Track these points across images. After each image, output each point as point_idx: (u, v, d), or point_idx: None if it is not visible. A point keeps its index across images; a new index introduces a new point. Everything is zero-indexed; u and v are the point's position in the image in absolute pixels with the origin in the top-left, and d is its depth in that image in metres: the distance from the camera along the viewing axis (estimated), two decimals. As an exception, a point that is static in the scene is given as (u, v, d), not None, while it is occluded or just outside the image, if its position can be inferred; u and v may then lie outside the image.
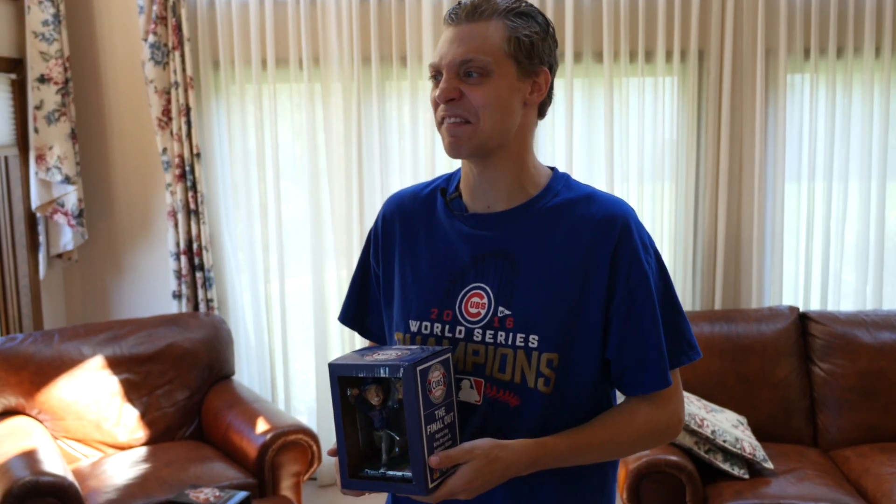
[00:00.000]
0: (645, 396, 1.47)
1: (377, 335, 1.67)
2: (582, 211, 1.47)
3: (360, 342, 4.02)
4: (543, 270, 1.44)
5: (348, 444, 1.38)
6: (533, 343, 1.42)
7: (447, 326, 1.47)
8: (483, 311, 1.46)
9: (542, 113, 1.52)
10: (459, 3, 1.45)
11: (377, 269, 1.62)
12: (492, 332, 1.44)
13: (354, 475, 1.37)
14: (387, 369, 1.32)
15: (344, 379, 1.36)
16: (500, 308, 1.44)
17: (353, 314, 1.69)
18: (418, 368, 1.31)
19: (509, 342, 1.43)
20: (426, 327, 1.49)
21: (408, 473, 1.34)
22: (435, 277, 1.51)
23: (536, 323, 1.42)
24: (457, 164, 4.10)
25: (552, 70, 1.49)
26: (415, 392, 1.30)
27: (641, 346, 1.44)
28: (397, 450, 1.38)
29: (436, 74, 1.46)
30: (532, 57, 1.45)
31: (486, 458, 1.34)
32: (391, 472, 1.36)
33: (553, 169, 1.56)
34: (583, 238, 1.44)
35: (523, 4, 1.46)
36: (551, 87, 1.50)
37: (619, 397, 1.54)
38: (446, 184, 1.59)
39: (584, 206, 1.47)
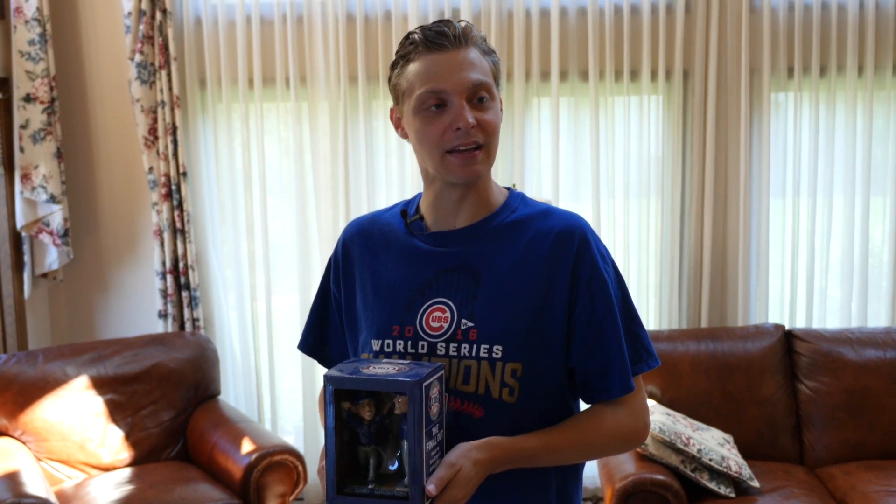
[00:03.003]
0: (610, 402, 1.51)
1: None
2: (540, 225, 1.52)
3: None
4: (505, 282, 1.48)
5: (336, 458, 1.37)
6: (497, 354, 1.45)
7: (409, 342, 1.49)
8: (445, 325, 1.48)
9: None
10: (438, 30, 1.46)
11: (338, 294, 1.63)
12: (455, 344, 1.47)
13: (341, 491, 1.36)
14: (390, 385, 1.32)
15: (340, 392, 1.35)
16: (464, 321, 1.47)
17: (312, 343, 1.70)
18: (425, 383, 1.32)
19: (473, 354, 1.45)
20: (388, 345, 1.51)
21: (399, 491, 1.34)
22: (396, 296, 1.53)
23: (500, 334, 1.45)
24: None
25: None
26: (419, 409, 1.31)
27: (604, 353, 1.48)
28: (394, 468, 1.37)
29: (437, 103, 1.45)
30: (499, 81, 1.52)
31: (470, 465, 1.36)
32: (380, 490, 1.35)
33: (509, 189, 1.61)
34: (543, 250, 1.49)
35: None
36: None
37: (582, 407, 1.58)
38: (406, 207, 1.62)
39: (542, 221, 1.52)
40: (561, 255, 1.48)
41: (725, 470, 3.16)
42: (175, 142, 3.85)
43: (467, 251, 1.51)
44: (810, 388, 3.60)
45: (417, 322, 1.49)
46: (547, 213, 1.54)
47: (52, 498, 2.98)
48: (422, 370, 1.35)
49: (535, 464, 1.46)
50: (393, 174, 3.99)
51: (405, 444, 1.34)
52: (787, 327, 3.81)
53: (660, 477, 3.05)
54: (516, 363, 1.45)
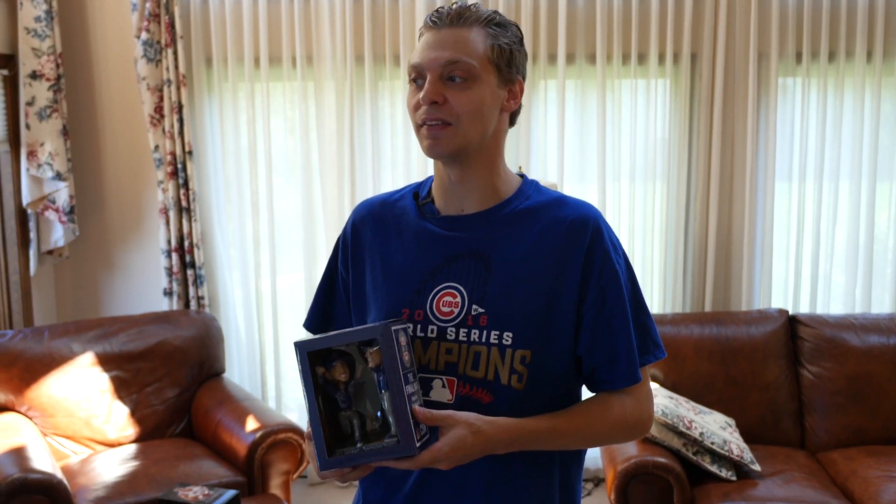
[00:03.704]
0: (616, 391, 1.51)
1: None
2: (553, 214, 1.51)
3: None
4: (516, 269, 1.48)
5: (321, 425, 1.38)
6: (507, 340, 1.45)
7: (419, 326, 1.49)
8: (456, 310, 1.48)
9: (512, 121, 1.56)
10: (440, 9, 1.48)
11: (346, 275, 1.63)
12: (465, 330, 1.47)
13: (332, 454, 1.37)
14: (358, 334, 1.34)
15: (313, 356, 1.36)
16: (474, 306, 1.47)
17: (317, 322, 1.70)
18: (392, 328, 1.34)
19: (483, 340, 1.46)
20: None
21: (387, 442, 1.35)
22: (405, 278, 1.53)
23: (510, 320, 1.45)
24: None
25: (524, 80, 1.54)
26: (393, 351, 1.33)
27: (612, 343, 1.48)
28: (377, 423, 1.37)
29: (416, 77, 1.47)
30: (511, 65, 1.49)
31: (469, 429, 1.36)
32: (369, 446, 1.36)
33: (522, 176, 1.60)
34: (555, 239, 1.49)
35: (499, 15, 1.50)
36: None
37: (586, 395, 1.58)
38: (418, 189, 1.62)
39: (556, 210, 1.52)
40: (573, 245, 1.48)
41: (727, 453, 3.17)
42: (181, 120, 3.85)
43: (479, 237, 1.51)
44: (813, 373, 3.61)
45: (428, 306, 1.50)
46: (560, 202, 1.54)
47: (58, 473, 3.00)
48: (386, 321, 1.39)
49: (539, 447, 1.46)
50: (398, 154, 3.99)
51: (384, 396, 1.35)
52: (790, 312, 3.82)
53: (661, 459, 3.06)
54: (525, 350, 1.45)
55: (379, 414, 1.37)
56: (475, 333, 1.46)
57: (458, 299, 1.48)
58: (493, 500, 1.48)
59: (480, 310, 1.46)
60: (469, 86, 1.45)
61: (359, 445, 1.37)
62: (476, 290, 1.48)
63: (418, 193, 1.60)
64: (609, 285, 1.48)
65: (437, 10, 1.48)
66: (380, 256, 1.58)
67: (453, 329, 1.47)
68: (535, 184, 1.58)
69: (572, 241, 1.48)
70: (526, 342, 1.45)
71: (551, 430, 1.44)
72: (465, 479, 1.45)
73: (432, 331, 1.48)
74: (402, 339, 1.38)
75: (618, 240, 1.55)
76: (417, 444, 1.33)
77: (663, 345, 1.57)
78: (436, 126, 1.45)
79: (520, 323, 1.45)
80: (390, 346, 1.33)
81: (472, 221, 1.52)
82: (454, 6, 1.48)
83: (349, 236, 1.64)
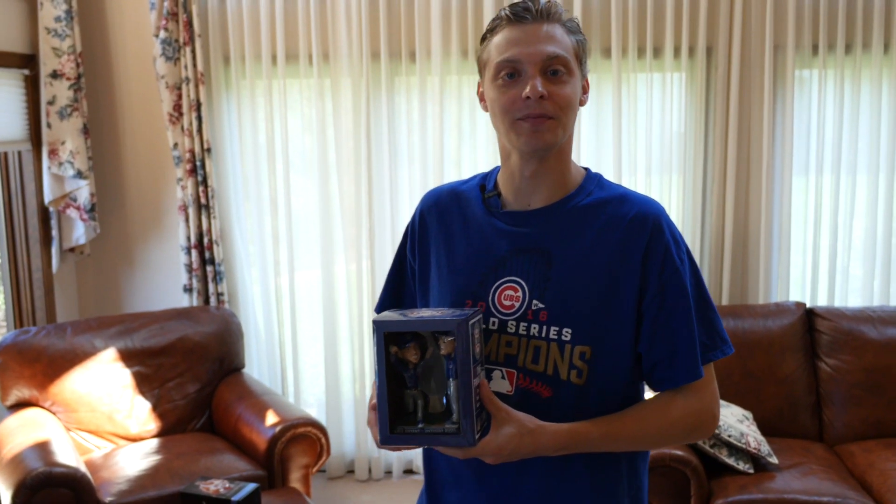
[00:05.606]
0: (677, 390, 1.50)
1: None
2: (615, 210, 1.52)
3: (368, 333, 4.06)
4: (577, 266, 1.49)
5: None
6: (566, 336, 1.46)
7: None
8: (517, 304, 1.50)
9: None
10: (524, 4, 1.48)
11: (413, 262, 1.67)
12: (525, 324, 1.48)
13: (393, 431, 1.40)
14: (437, 324, 1.36)
15: (389, 336, 1.40)
16: (535, 301, 1.48)
17: (388, 307, 1.73)
18: (470, 322, 1.37)
19: (543, 335, 1.47)
20: None
21: (448, 427, 1.38)
22: (469, 270, 1.55)
23: (570, 317, 1.46)
24: (464, 158, 4.08)
25: None
26: (467, 345, 1.36)
27: (672, 341, 1.48)
28: (441, 407, 1.40)
29: (511, 72, 1.47)
30: (585, 62, 1.53)
31: (521, 429, 1.39)
32: (430, 428, 1.39)
33: (587, 169, 1.60)
34: (616, 235, 1.49)
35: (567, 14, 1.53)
36: None
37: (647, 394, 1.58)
38: (484, 181, 1.63)
39: (617, 205, 1.52)
40: (633, 241, 1.48)
41: (744, 446, 3.18)
42: (199, 118, 3.89)
43: (541, 233, 1.52)
44: (831, 366, 3.60)
45: (490, 298, 1.52)
46: (623, 198, 1.54)
47: (82, 467, 3.04)
48: (464, 312, 1.40)
49: (593, 451, 1.47)
50: (415, 150, 4.01)
51: (451, 383, 1.38)
52: (808, 305, 3.81)
53: (678, 452, 3.07)
54: (585, 346, 1.46)
55: (444, 399, 1.40)
56: (535, 328, 1.48)
57: (520, 293, 1.50)
58: (552, 479, 1.50)
59: (541, 305, 1.48)
60: (566, 80, 1.47)
61: (420, 426, 1.40)
62: (537, 286, 1.49)
63: (485, 186, 1.62)
64: (669, 282, 1.48)
65: (520, 7, 1.48)
66: (445, 246, 1.61)
67: (514, 322, 1.49)
68: (598, 178, 1.59)
69: (632, 237, 1.48)
70: (585, 338, 1.46)
71: (605, 436, 1.45)
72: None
73: (493, 323, 1.51)
74: (476, 332, 1.41)
75: (680, 235, 1.54)
76: (477, 437, 1.36)
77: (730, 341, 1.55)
78: (541, 118, 1.45)
79: (579, 319, 1.46)
80: (465, 341, 1.36)
81: (535, 217, 1.54)
82: (540, 1, 1.48)
83: (416, 224, 1.67)
